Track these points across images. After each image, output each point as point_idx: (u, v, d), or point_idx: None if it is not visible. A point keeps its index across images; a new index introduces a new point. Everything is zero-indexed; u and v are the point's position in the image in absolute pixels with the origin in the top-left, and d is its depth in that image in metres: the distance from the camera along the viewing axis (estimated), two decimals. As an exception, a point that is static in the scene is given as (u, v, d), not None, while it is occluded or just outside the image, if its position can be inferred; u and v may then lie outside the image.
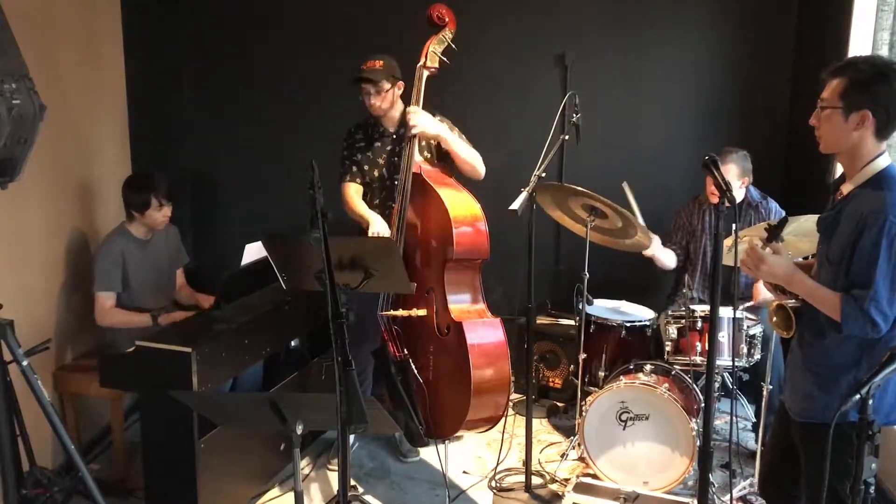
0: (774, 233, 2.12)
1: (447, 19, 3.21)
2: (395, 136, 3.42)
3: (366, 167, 3.42)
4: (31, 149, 2.10)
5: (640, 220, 3.42)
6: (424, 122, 3.20)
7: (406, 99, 3.32)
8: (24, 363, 2.27)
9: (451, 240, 3.01)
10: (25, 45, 2.09)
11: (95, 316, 3.34)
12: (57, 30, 3.37)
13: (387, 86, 3.29)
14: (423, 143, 3.35)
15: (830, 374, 2.06)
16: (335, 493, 3.22)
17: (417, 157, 3.22)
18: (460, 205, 3.09)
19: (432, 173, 3.20)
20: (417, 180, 3.17)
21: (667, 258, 3.71)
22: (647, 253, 3.62)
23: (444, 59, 3.23)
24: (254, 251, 3.15)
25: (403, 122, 3.34)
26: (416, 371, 3.17)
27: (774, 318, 2.22)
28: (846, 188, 2.06)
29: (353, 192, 3.42)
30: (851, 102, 1.95)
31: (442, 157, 3.41)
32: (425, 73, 3.22)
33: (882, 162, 1.99)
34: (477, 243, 3.10)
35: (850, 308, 1.94)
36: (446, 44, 3.23)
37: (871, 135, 1.97)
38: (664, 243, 3.72)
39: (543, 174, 2.99)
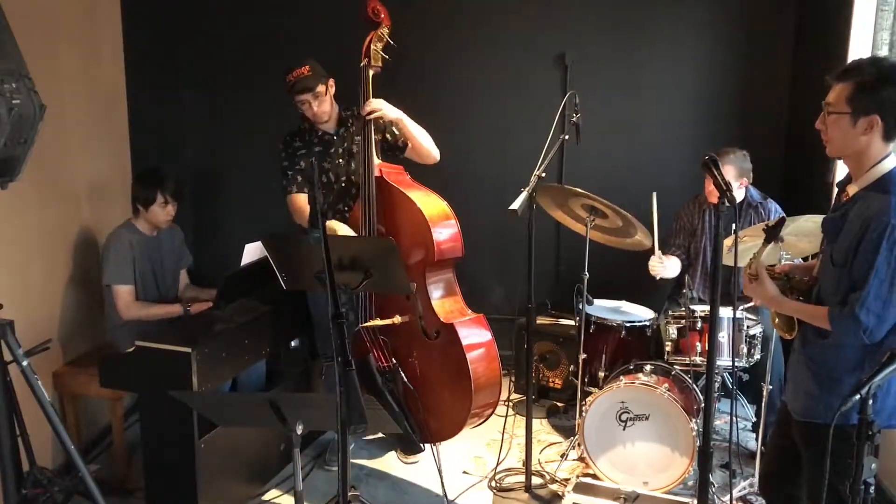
0: (772, 233, 2.12)
1: (382, 15, 3.10)
2: (335, 137, 3.34)
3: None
4: (31, 149, 2.11)
5: (655, 238, 3.40)
6: (385, 106, 3.13)
7: (354, 100, 3.24)
8: (24, 363, 2.28)
9: (431, 242, 2.99)
10: (25, 45, 2.09)
11: (120, 310, 3.29)
12: (57, 30, 3.37)
13: (322, 88, 3.22)
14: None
15: (833, 375, 2.06)
16: (335, 493, 3.22)
17: (376, 160, 3.14)
18: (432, 205, 3.07)
19: (393, 175, 3.14)
20: (381, 184, 3.10)
21: (674, 269, 3.66)
22: (666, 276, 3.57)
23: (385, 55, 3.14)
24: (254, 251, 3.15)
25: (342, 120, 3.30)
26: (405, 379, 3.16)
27: (777, 320, 2.22)
28: (852, 189, 2.05)
29: (304, 203, 3.32)
30: (859, 107, 1.93)
31: (384, 153, 3.31)
32: (371, 72, 3.12)
33: (888, 164, 1.98)
34: (453, 242, 3.10)
35: (836, 314, 1.97)
36: (385, 40, 3.12)
37: (878, 138, 1.96)
38: (666, 249, 3.68)
39: (543, 174, 2.99)
